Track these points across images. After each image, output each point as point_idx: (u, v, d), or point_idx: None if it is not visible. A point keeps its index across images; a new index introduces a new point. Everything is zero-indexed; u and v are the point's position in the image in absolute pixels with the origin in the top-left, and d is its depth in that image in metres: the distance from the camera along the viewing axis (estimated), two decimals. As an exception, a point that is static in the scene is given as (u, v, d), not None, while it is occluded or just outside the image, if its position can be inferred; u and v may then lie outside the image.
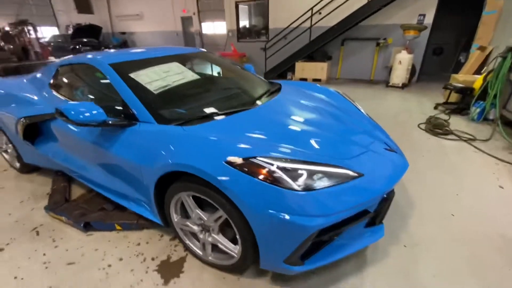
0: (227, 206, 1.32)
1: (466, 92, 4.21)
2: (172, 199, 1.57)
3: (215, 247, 1.60)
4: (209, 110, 1.81)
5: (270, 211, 1.21)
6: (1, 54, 8.20)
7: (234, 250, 1.49)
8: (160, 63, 2.15)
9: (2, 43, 9.28)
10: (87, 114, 1.58)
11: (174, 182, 1.52)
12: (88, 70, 2.07)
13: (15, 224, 2.11)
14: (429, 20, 6.27)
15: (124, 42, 14.17)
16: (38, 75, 2.56)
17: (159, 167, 1.47)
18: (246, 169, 1.25)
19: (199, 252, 1.66)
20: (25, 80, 2.64)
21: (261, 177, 1.24)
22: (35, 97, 2.39)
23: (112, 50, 2.49)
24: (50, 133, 2.30)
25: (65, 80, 2.32)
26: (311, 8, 6.85)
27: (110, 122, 1.64)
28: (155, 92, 1.84)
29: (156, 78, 1.95)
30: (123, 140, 1.68)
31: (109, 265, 1.71)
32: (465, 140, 3.33)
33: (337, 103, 2.30)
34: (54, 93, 2.30)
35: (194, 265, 1.69)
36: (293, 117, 1.84)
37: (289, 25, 7.33)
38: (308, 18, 7.02)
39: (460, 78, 4.62)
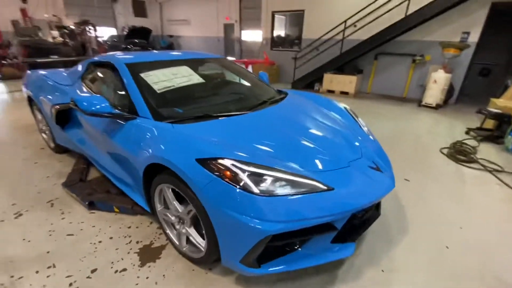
0: (195, 201, 1.42)
1: (503, 118, 3.82)
2: (156, 189, 1.72)
3: (189, 240, 1.71)
4: (203, 111, 1.94)
5: (228, 210, 1.28)
6: (66, 49, 9.39)
7: (202, 244, 1.58)
8: (172, 66, 2.36)
9: (68, 39, 10.58)
10: (97, 106, 1.81)
11: (158, 174, 1.67)
12: (109, 68, 2.34)
13: (37, 195, 2.45)
14: (474, 38, 5.80)
15: (170, 44, 15.26)
16: (75, 69, 2.95)
17: (145, 158, 1.63)
18: (213, 169, 1.35)
19: (176, 242, 1.78)
20: (65, 74, 3.06)
21: (225, 177, 1.32)
22: (69, 88, 2.76)
23: (136, 52, 2.77)
24: (76, 120, 2.64)
25: (91, 75, 2.65)
26: (345, 21, 6.77)
27: (114, 114, 1.86)
28: (158, 92, 2.04)
29: (163, 79, 2.15)
30: (123, 131, 1.89)
31: (100, 241, 1.91)
32: (489, 171, 3.03)
33: (336, 116, 2.28)
34: (83, 85, 2.63)
35: (170, 254, 1.81)
36: (282, 126, 1.89)
37: (322, 36, 7.30)
38: (342, 30, 6.94)
39: (500, 104, 4.20)
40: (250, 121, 1.89)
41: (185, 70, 2.34)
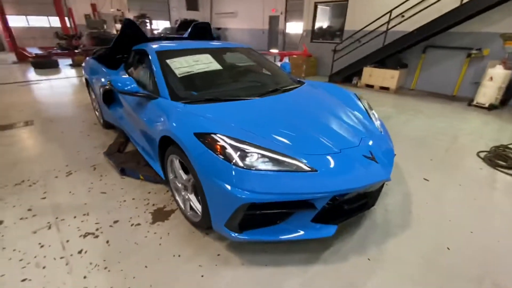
0: (193, 170, 1.65)
1: None
2: (168, 160, 2.00)
3: (192, 207, 1.95)
4: (214, 95, 2.15)
5: (215, 178, 1.48)
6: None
7: (199, 209, 1.81)
8: (195, 54, 2.61)
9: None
10: (128, 87, 2.15)
11: (169, 147, 1.93)
12: (144, 54, 2.69)
13: (85, 160, 2.96)
14: (548, 29, 4.96)
15: (217, 36, 15.92)
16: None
17: (159, 131, 1.91)
18: (207, 142, 1.55)
19: (182, 207, 2.05)
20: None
21: (215, 150, 1.51)
22: (115, 71, 3.22)
23: (169, 41, 3.09)
24: (118, 100, 3.08)
25: (131, 60, 3.05)
26: (390, 11, 6.33)
27: (141, 93, 2.18)
28: (179, 76, 2.30)
29: (185, 65, 2.41)
30: (147, 109, 2.20)
31: (124, 201, 2.28)
32: (531, 179, 2.70)
33: (344, 106, 2.29)
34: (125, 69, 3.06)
35: (177, 217, 2.09)
36: (284, 111, 2.02)
37: (365, 27, 6.94)
38: (386, 22, 6.51)
39: None
40: (255, 105, 2.05)
41: (205, 57, 2.57)
